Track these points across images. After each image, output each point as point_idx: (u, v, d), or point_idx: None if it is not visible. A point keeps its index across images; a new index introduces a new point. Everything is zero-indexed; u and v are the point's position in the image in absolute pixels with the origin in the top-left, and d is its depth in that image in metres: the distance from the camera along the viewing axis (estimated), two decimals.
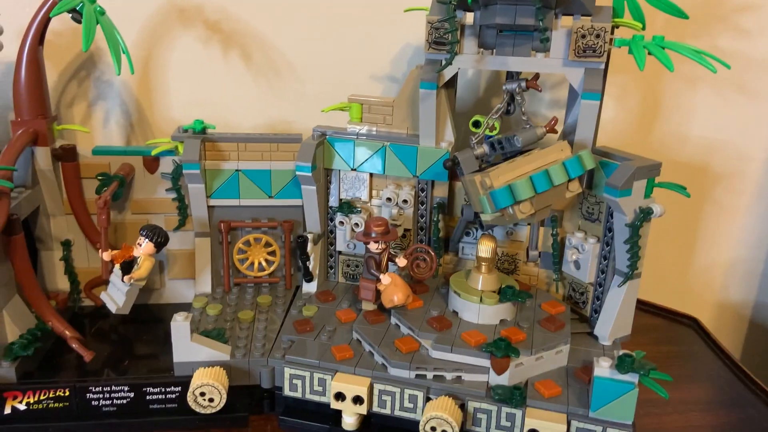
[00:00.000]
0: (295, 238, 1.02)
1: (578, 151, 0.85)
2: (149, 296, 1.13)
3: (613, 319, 0.92)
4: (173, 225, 1.09)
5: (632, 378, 0.75)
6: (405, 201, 1.02)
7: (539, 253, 1.02)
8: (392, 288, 0.92)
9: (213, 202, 1.06)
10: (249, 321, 1.00)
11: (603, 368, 0.76)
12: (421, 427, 0.80)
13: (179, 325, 0.87)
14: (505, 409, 0.81)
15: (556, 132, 0.89)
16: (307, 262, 1.06)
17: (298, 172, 0.99)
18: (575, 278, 1.00)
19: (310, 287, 1.08)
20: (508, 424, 0.81)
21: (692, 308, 1.28)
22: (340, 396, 0.85)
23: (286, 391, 0.89)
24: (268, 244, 1.09)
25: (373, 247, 0.95)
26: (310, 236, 1.06)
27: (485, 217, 0.91)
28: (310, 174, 0.99)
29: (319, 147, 1.02)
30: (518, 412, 0.80)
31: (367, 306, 0.99)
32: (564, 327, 0.90)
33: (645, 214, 0.85)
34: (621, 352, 0.77)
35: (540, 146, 0.87)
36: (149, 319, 1.09)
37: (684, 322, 1.25)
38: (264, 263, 1.10)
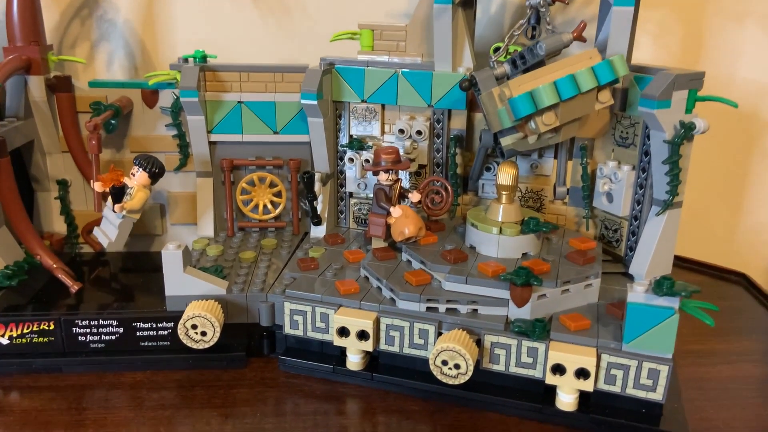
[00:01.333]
0: (301, 175, 0.96)
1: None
2: (151, 243, 1.09)
3: (651, 254, 0.83)
4: (174, 164, 1.04)
5: (672, 302, 0.67)
6: (419, 132, 0.95)
7: (567, 189, 0.94)
8: (402, 220, 0.86)
9: (214, 137, 1.00)
10: (251, 261, 0.94)
11: (637, 293, 0.68)
12: (431, 361, 0.73)
13: (171, 254, 0.81)
14: (526, 343, 0.73)
15: (584, 40, 0.81)
16: (315, 203, 1.00)
17: (303, 101, 0.93)
18: (608, 214, 0.91)
19: (318, 231, 1.02)
20: (530, 360, 0.73)
21: (740, 267, 1.18)
22: (343, 331, 0.79)
23: (287, 329, 0.82)
24: (273, 184, 1.03)
25: (382, 177, 0.88)
26: (317, 175, 1.00)
27: (506, 141, 0.83)
28: (315, 103, 0.93)
29: (327, 76, 0.95)
30: (541, 346, 0.72)
31: (377, 243, 0.92)
32: (594, 261, 0.82)
33: (687, 130, 0.77)
34: (659, 276, 0.68)
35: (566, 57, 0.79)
36: (150, 267, 1.03)
37: (732, 279, 1.15)
38: (269, 205, 1.04)
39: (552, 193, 0.96)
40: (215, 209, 1.03)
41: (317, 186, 1.01)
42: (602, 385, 0.71)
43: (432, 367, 0.73)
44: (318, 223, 1.02)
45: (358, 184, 1.01)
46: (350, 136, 1.01)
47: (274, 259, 0.95)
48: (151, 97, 1.01)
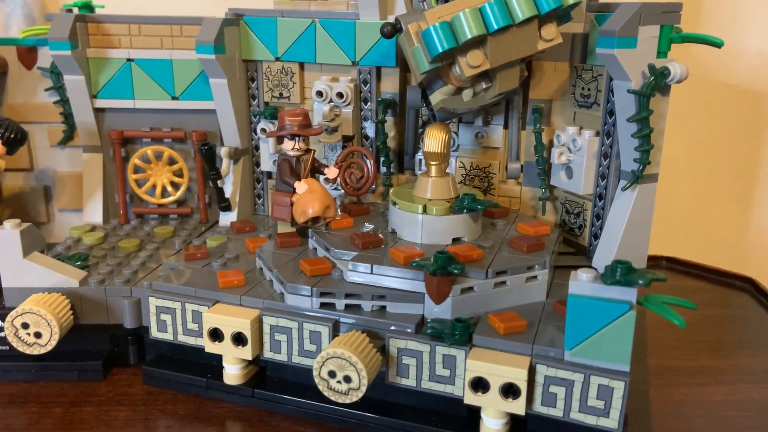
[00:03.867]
0: (200, 148, 0.82)
1: None
2: None
3: (617, 242, 0.67)
4: (58, 138, 0.90)
5: (626, 295, 0.51)
6: (340, 95, 0.80)
7: (521, 165, 0.79)
8: (306, 197, 0.70)
9: (100, 103, 0.86)
10: (131, 250, 0.79)
11: (581, 282, 0.52)
12: (315, 372, 0.57)
13: (7, 236, 0.67)
14: (441, 350, 0.57)
15: None
16: (219, 183, 0.85)
17: (199, 55, 0.79)
18: (569, 194, 0.76)
19: (229, 219, 0.87)
20: (447, 372, 0.57)
21: (747, 271, 1.01)
22: (216, 334, 0.63)
23: (153, 332, 0.67)
24: (172, 161, 0.88)
25: (288, 146, 0.73)
26: (224, 150, 0.86)
27: (434, 98, 0.69)
28: (213, 57, 0.79)
29: (232, 27, 0.81)
30: (459, 354, 0.56)
31: (284, 228, 0.77)
32: (542, 248, 0.66)
33: (658, 77, 0.61)
34: (612, 261, 0.53)
35: None
36: None
37: (737, 285, 0.99)
38: (169, 187, 0.89)
39: (503, 170, 0.80)
40: (106, 191, 0.89)
41: (224, 163, 0.86)
42: (539, 408, 0.55)
43: (317, 380, 0.57)
44: (226, 208, 0.87)
45: (274, 162, 0.86)
46: (265, 103, 0.87)
47: (164, 250, 0.80)
48: (28, 55, 0.88)
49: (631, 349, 0.52)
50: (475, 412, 0.58)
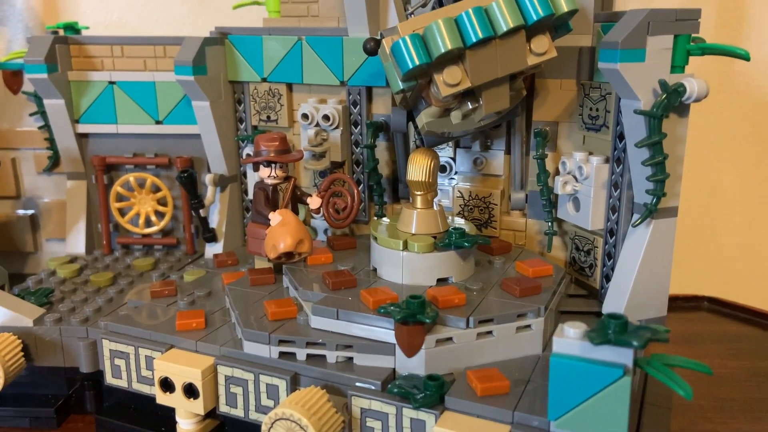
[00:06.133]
0: (179, 175, 0.77)
1: None
2: (23, 263, 0.92)
3: (630, 286, 0.59)
4: (44, 164, 0.88)
5: (620, 356, 0.43)
6: (326, 118, 0.75)
7: (526, 195, 0.71)
8: (278, 230, 0.64)
9: (83, 128, 0.83)
10: (102, 284, 0.75)
11: (567, 339, 0.44)
12: None
13: None
14: (408, 413, 0.50)
15: None
16: (202, 212, 0.80)
17: (177, 77, 0.75)
18: (578, 228, 0.67)
19: (214, 251, 0.82)
20: None
21: None
22: (166, 384, 0.58)
23: (108, 378, 0.62)
24: (156, 189, 0.84)
25: (264, 173, 0.68)
26: (209, 177, 0.81)
27: (419, 120, 0.62)
28: (192, 79, 0.74)
29: (216, 47, 0.77)
30: (428, 418, 0.49)
31: (261, 263, 0.71)
32: (539, 292, 0.58)
33: (672, 95, 0.53)
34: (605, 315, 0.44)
35: None
36: None
37: None
38: (153, 216, 0.85)
39: (506, 200, 0.73)
40: (89, 220, 0.86)
41: (209, 190, 0.82)
42: None
43: None
44: (211, 239, 0.82)
45: None
46: (254, 127, 0.82)
47: (139, 284, 0.76)
48: (13, 79, 0.86)
49: (632, 417, 0.44)
50: None
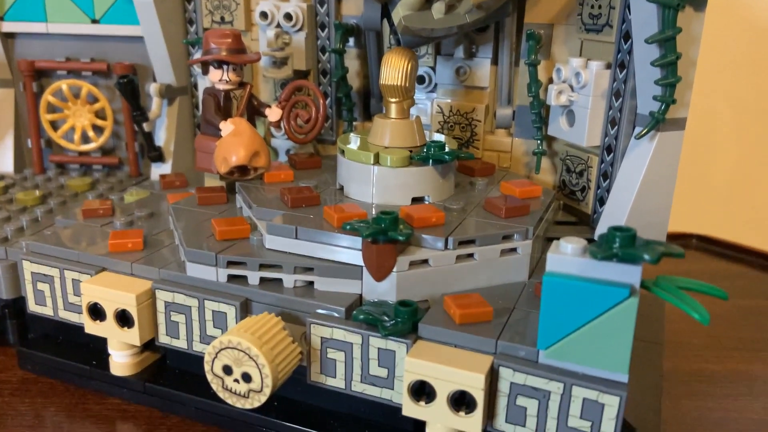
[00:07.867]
0: (117, 82, 0.69)
1: None
2: None
3: (629, 207, 0.53)
4: None
5: (626, 275, 0.37)
6: (288, 17, 0.66)
7: (514, 110, 0.64)
8: (230, 141, 0.57)
9: (8, 26, 0.74)
10: (29, 204, 0.67)
11: (564, 255, 0.38)
12: (206, 368, 0.44)
13: None
14: (376, 343, 0.44)
15: None
16: (145, 125, 0.72)
17: None
18: (570, 146, 0.61)
19: (161, 172, 0.74)
20: (383, 372, 0.44)
21: None
22: (96, 311, 0.51)
23: (31, 305, 0.55)
24: (93, 99, 0.76)
25: (214, 76, 0.60)
26: (153, 87, 0.73)
27: (396, 13, 0.54)
28: None
29: None
30: (399, 348, 0.43)
31: (211, 181, 0.64)
32: (526, 214, 0.52)
33: None
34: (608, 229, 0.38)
35: None
36: None
37: None
38: (90, 131, 0.76)
39: (491, 116, 0.66)
40: (18, 134, 0.77)
41: (154, 103, 0.74)
42: (502, 425, 0.42)
43: (209, 377, 0.45)
44: (157, 158, 0.74)
45: None
46: (205, 30, 0.73)
47: (73, 205, 0.68)
48: None
49: (631, 351, 0.38)
50: (423, 425, 0.45)
